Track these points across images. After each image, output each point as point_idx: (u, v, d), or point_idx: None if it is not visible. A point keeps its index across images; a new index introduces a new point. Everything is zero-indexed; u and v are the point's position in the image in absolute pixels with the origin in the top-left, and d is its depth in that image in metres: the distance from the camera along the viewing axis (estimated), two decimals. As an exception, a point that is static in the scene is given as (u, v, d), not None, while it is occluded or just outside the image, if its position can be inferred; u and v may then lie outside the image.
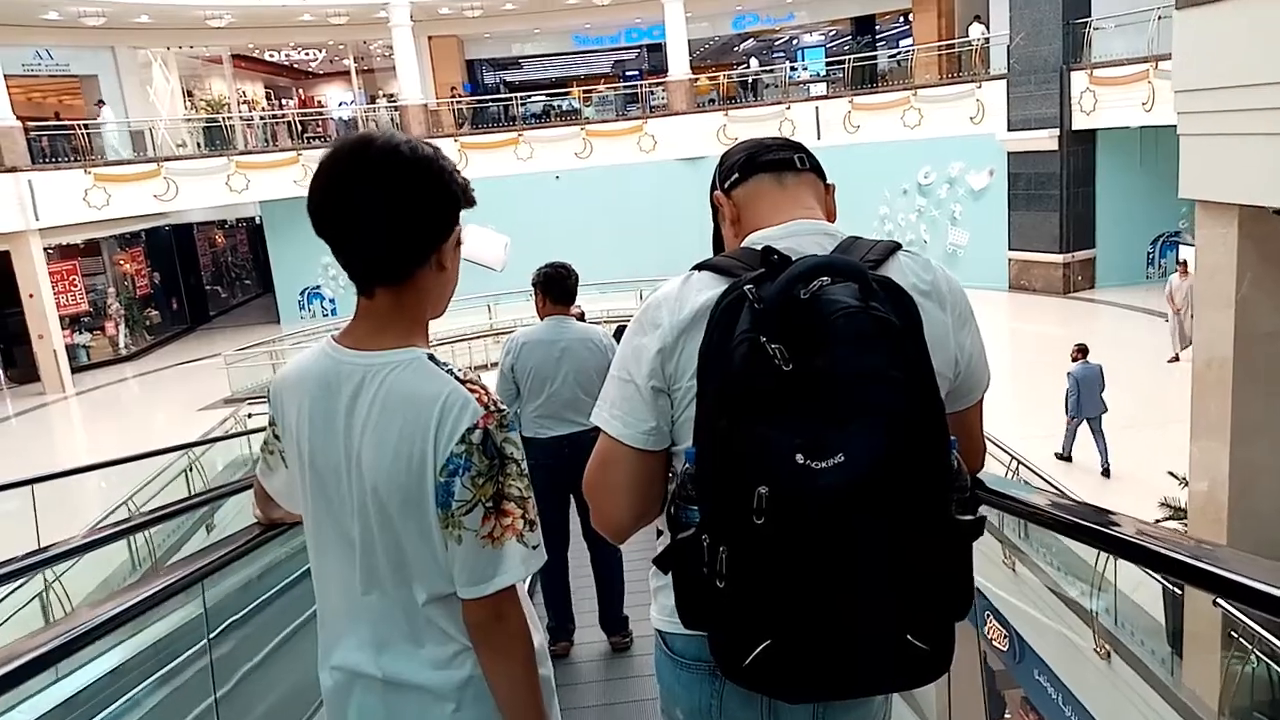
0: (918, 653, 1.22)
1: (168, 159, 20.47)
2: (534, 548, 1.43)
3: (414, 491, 1.39)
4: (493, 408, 1.40)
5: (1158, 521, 6.81)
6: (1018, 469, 8.20)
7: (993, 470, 7.95)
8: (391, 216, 1.38)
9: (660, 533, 1.46)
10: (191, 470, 10.74)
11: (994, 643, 9.41)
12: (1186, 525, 6.24)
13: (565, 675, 4.21)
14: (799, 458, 1.14)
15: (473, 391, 1.39)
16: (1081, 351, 10.92)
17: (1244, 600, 1.23)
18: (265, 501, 1.74)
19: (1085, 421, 10.78)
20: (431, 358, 1.44)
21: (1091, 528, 1.62)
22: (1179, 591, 5.82)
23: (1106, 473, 10.50)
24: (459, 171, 1.46)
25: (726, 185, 1.51)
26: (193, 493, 10.02)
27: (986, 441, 1.68)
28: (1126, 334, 15.61)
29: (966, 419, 1.51)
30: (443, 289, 1.50)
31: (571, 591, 4.45)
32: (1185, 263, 13.77)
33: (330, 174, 1.39)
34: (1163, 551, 1.40)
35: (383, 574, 1.45)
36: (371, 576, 1.46)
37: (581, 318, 4.81)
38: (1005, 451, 8.31)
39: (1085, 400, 10.66)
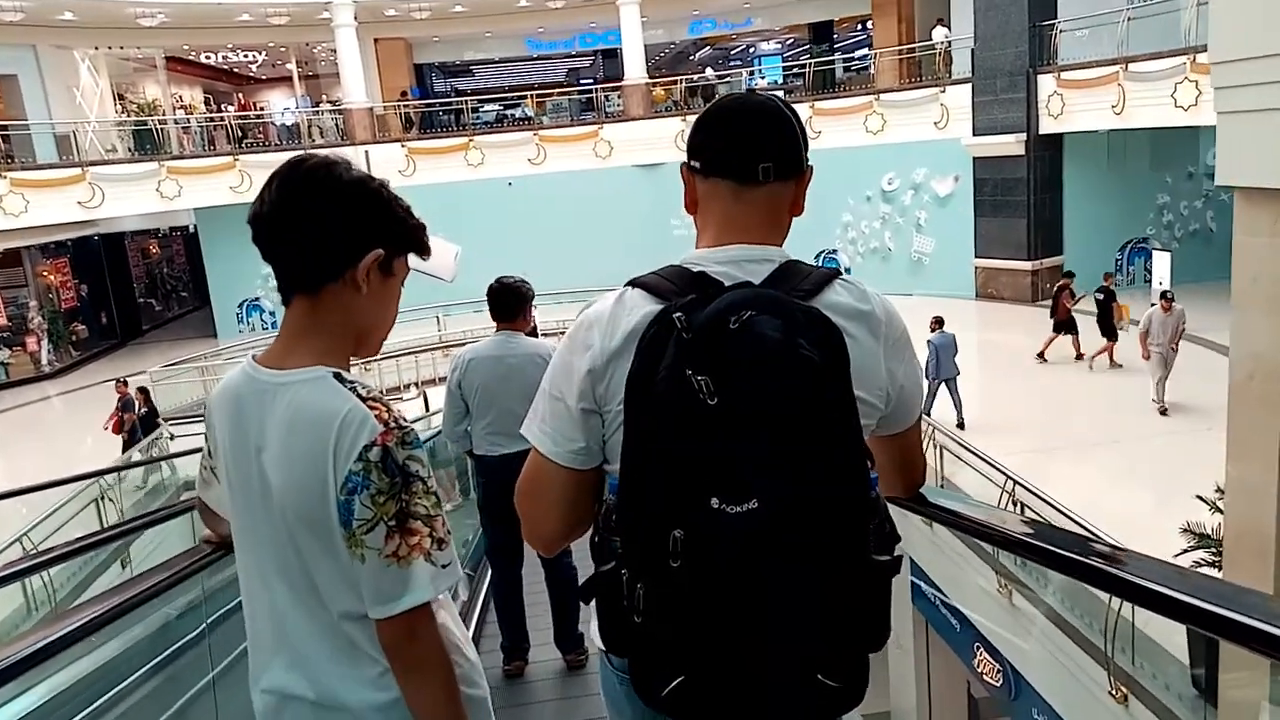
0: (830, 690, 1.24)
1: (93, 163, 19.24)
2: (444, 566, 1.43)
3: (318, 511, 1.39)
4: (393, 424, 1.39)
5: (1183, 552, 6.14)
6: (1014, 490, 7.52)
7: (989, 495, 7.23)
8: (305, 222, 1.41)
9: None
10: (103, 500, 9.73)
11: (985, 676, 8.76)
12: (1221, 556, 5.57)
13: (520, 694, 4.16)
14: (714, 502, 1.14)
15: (373, 409, 1.39)
16: (939, 323, 12.21)
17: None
18: (208, 514, 1.76)
19: (944, 383, 12.10)
20: (338, 376, 1.43)
21: (1030, 543, 1.65)
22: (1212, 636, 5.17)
23: (961, 425, 11.61)
24: (407, 213, 1.51)
25: (691, 163, 1.46)
26: (105, 525, 9.15)
27: (925, 460, 1.69)
28: (1091, 343, 15.10)
29: (906, 440, 1.53)
30: (366, 315, 1.49)
31: (525, 610, 4.39)
32: (1170, 295, 12.54)
33: (266, 186, 1.44)
34: (1115, 573, 1.41)
35: (303, 594, 1.46)
36: (293, 597, 1.46)
37: (533, 332, 4.57)
38: (1003, 473, 7.63)
39: (943, 364, 11.98)
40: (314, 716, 1.48)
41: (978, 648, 8.60)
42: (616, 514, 1.27)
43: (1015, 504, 7.46)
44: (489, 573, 4.64)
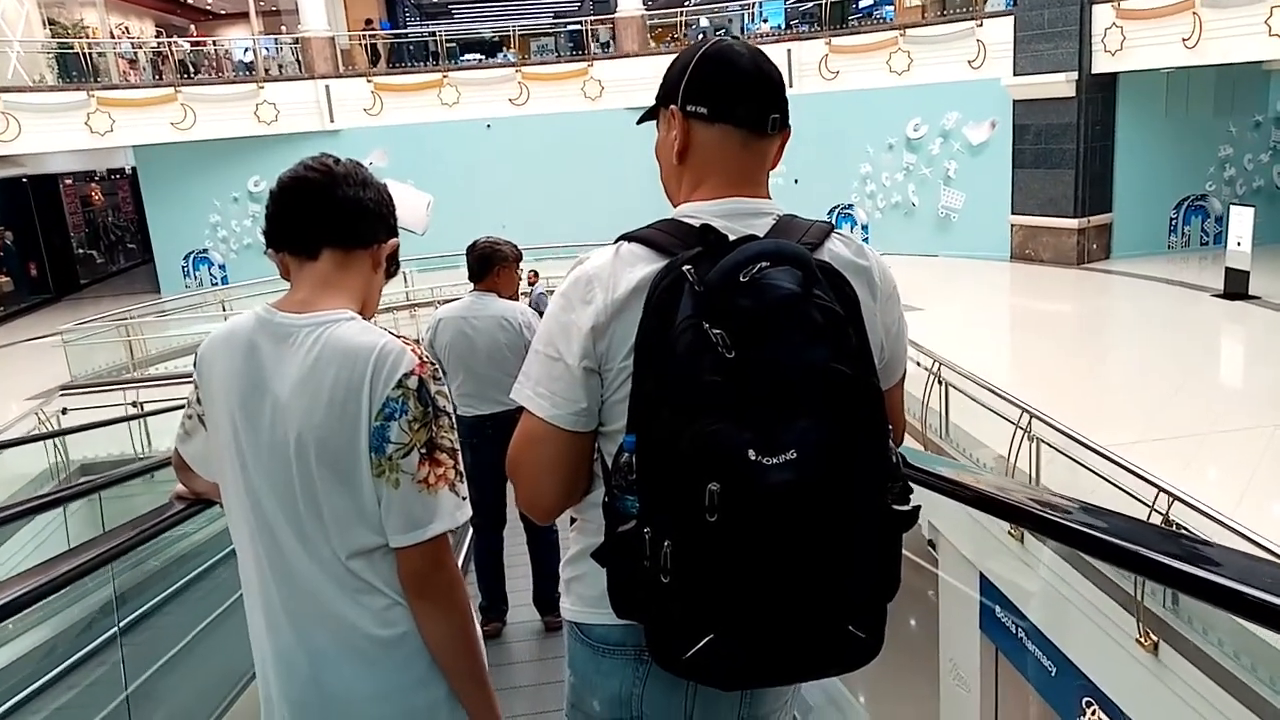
0: (856, 640, 1.24)
1: (5, 90, 16.74)
2: (463, 499, 1.48)
3: (345, 440, 1.42)
4: (426, 359, 1.46)
5: None
6: (1170, 503, 5.48)
7: (1129, 506, 5.15)
8: (365, 190, 1.55)
9: (574, 519, 1.47)
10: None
11: (1098, 736, 6.74)
12: None
13: (498, 655, 4.17)
14: (750, 453, 1.13)
15: (406, 344, 1.45)
16: None
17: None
18: (185, 471, 1.75)
19: None
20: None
21: (1034, 513, 1.56)
22: None
23: None
24: None
25: (688, 108, 1.38)
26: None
27: (905, 420, 1.65)
28: (1159, 312, 13.11)
29: (890, 398, 1.45)
30: (371, 290, 1.60)
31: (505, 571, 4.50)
32: None
33: (319, 159, 1.55)
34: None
35: (309, 534, 1.46)
36: (298, 536, 1.47)
37: (514, 296, 4.40)
38: (1152, 483, 5.57)
39: None
40: (310, 654, 1.47)
41: (1088, 704, 6.68)
42: (636, 472, 1.21)
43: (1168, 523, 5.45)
44: (469, 533, 4.73)
